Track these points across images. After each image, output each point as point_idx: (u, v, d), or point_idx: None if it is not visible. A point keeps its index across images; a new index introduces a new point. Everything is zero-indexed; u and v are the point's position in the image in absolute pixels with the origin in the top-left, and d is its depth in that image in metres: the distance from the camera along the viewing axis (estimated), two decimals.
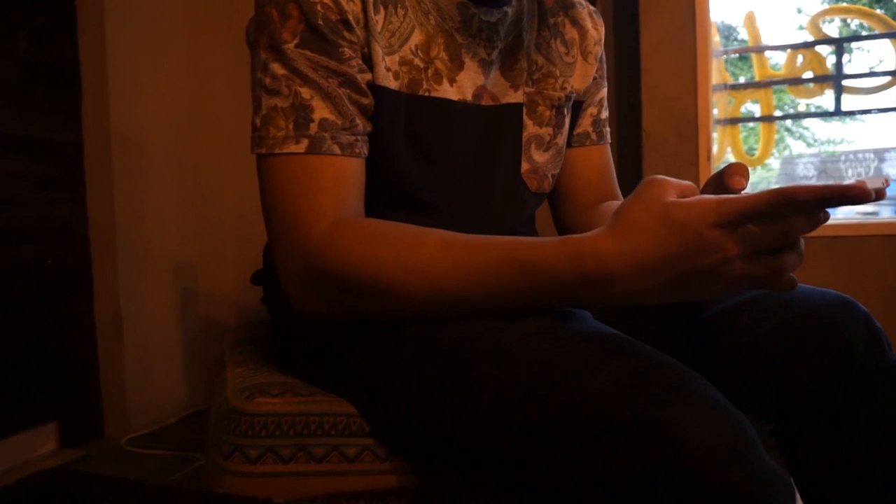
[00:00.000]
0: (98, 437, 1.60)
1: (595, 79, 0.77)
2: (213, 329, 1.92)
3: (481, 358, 0.46)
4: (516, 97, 0.68)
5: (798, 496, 0.60)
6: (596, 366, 0.41)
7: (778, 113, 3.32)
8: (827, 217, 0.43)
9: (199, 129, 1.85)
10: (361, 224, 0.53)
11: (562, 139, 0.73)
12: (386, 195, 0.61)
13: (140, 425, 1.64)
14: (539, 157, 0.71)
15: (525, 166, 0.69)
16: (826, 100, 2.62)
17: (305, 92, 0.53)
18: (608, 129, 0.80)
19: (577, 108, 0.76)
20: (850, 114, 2.62)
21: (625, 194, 0.51)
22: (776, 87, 2.77)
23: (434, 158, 0.63)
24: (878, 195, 0.41)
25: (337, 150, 0.54)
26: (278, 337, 0.70)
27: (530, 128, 0.69)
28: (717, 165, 2.53)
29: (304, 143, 0.53)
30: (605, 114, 0.79)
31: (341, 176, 0.54)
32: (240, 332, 0.82)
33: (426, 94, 0.61)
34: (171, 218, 1.77)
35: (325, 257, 0.51)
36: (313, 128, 0.53)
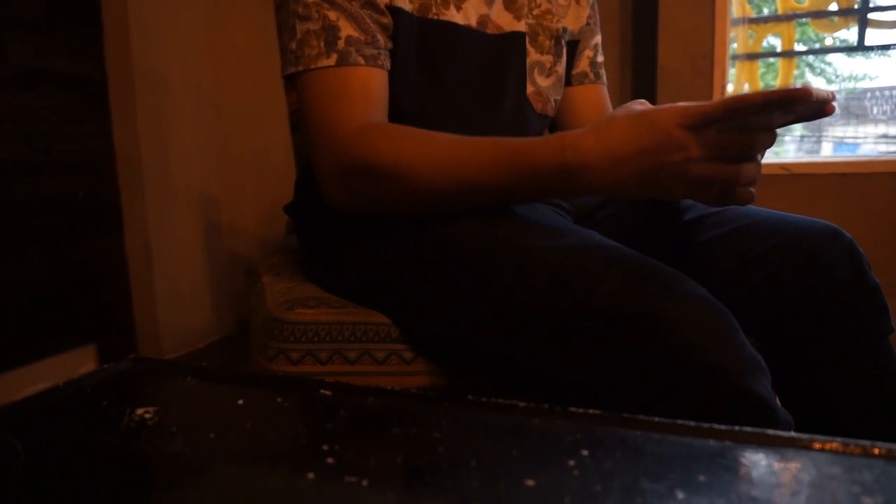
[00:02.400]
0: None
1: (588, 24, 0.83)
2: (237, 260, 2.01)
3: (505, 268, 0.53)
4: (519, 27, 0.74)
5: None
6: (604, 270, 0.49)
7: (801, 48, 3.24)
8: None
9: (219, 64, 1.87)
10: (386, 125, 0.61)
11: (561, 67, 0.79)
12: (398, 113, 0.67)
13: (171, 349, 1.75)
14: (542, 81, 0.77)
15: (530, 88, 0.76)
16: (851, 34, 2.56)
17: (332, 14, 0.61)
18: (604, 72, 0.87)
19: (573, 48, 0.82)
20: (875, 49, 2.55)
21: None
22: (799, 20, 2.69)
23: (444, 78, 0.69)
24: (826, 110, 0.47)
25: (361, 61, 0.61)
26: (311, 260, 0.77)
27: (533, 54, 0.76)
28: None
29: (334, 56, 0.61)
30: (600, 58, 0.86)
31: (367, 84, 0.62)
32: (274, 257, 0.89)
33: (435, 17, 0.67)
34: (194, 152, 1.82)
35: (354, 151, 0.59)
36: (341, 44, 0.61)
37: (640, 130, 0.48)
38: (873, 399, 0.64)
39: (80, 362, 1.61)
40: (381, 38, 0.64)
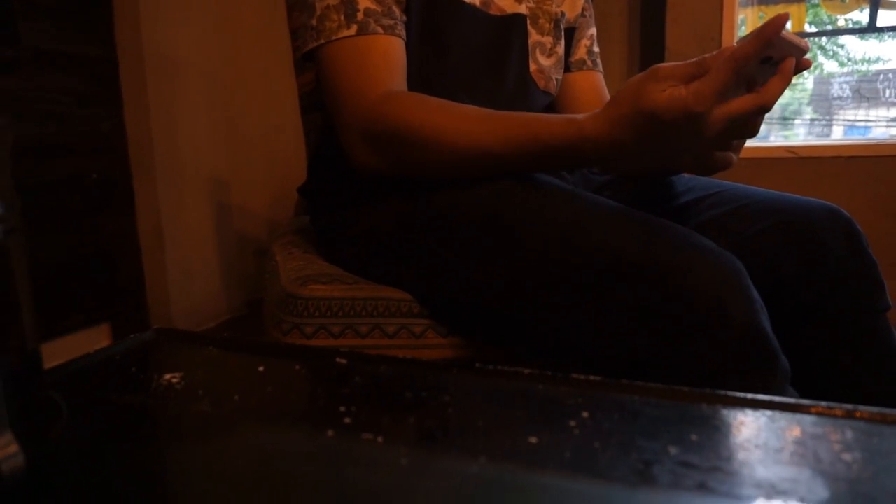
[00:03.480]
0: None
1: (584, 15, 0.86)
2: (246, 241, 2.04)
3: (520, 229, 0.57)
4: (520, 9, 0.77)
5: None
6: (615, 227, 0.52)
7: (813, 30, 3.20)
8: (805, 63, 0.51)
9: (228, 47, 1.88)
10: (411, 93, 0.65)
11: (560, 49, 0.82)
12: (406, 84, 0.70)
13: (183, 328, 1.79)
14: (544, 60, 0.80)
15: (533, 66, 0.79)
16: (863, 16, 2.53)
17: None
18: (601, 62, 0.91)
19: (570, 36, 0.86)
20: (887, 30, 2.52)
21: None
22: (810, 1, 2.66)
23: (450, 52, 0.72)
24: (803, 63, 0.49)
25: (380, 30, 0.65)
26: (325, 238, 0.79)
27: (534, 35, 0.79)
28: None
29: (354, 27, 0.64)
30: (597, 48, 0.90)
31: (387, 53, 0.65)
32: (286, 237, 0.91)
33: None
34: (204, 134, 1.84)
35: (379, 115, 0.62)
36: (359, 15, 0.64)
37: (642, 96, 0.51)
38: (868, 375, 0.66)
39: (95, 341, 1.65)
40: (396, 9, 0.67)
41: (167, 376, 0.40)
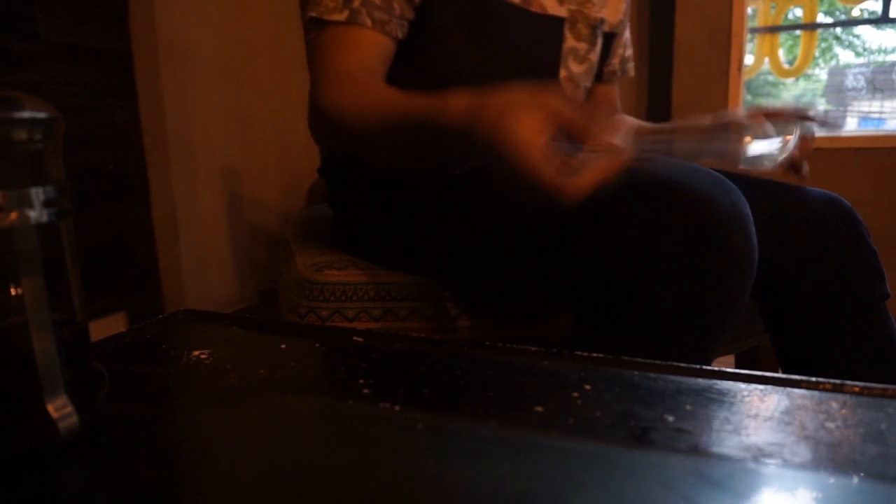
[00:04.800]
0: None
1: (622, 19, 0.85)
2: (258, 231, 2.07)
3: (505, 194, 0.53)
4: (560, 11, 0.76)
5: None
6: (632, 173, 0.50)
7: (826, 20, 3.18)
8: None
9: (241, 39, 1.90)
10: (353, 76, 0.63)
11: (594, 56, 0.81)
12: (437, 77, 0.70)
13: None
14: (575, 67, 0.80)
15: (563, 73, 0.78)
16: (877, 5, 2.51)
17: None
18: (632, 65, 0.91)
19: (609, 41, 0.84)
20: None
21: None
22: None
23: (484, 46, 0.71)
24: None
25: (369, 23, 0.65)
26: (341, 225, 0.81)
27: (570, 41, 0.78)
28: (751, 77, 2.50)
29: (346, 13, 0.65)
30: (629, 51, 0.90)
31: (368, 46, 0.66)
32: (301, 226, 0.94)
33: None
34: (217, 126, 1.87)
35: (320, 96, 0.63)
36: (356, 3, 0.65)
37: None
38: (865, 362, 0.68)
39: (113, 329, 1.68)
40: (397, 6, 0.67)
41: (196, 352, 0.43)
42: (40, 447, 0.29)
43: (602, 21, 0.80)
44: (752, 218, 0.51)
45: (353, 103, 0.60)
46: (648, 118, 2.07)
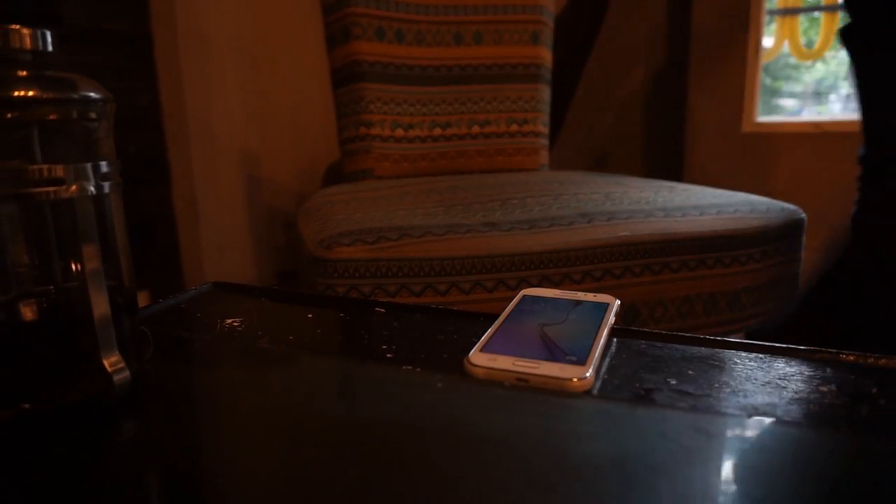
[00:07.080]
0: None
1: None
2: (275, 213, 2.10)
3: None
4: None
5: None
6: None
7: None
8: None
9: (259, 22, 1.92)
10: None
11: None
12: None
13: None
14: None
15: None
16: None
17: None
18: None
19: None
20: None
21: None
22: None
23: None
24: None
25: None
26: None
27: None
28: (769, 60, 2.47)
29: None
30: None
31: None
32: (309, 203, 0.97)
33: None
34: (236, 108, 1.90)
35: None
36: None
37: None
38: None
39: None
40: None
41: (228, 320, 0.46)
42: (97, 398, 0.32)
43: None
44: None
45: None
46: (665, 103, 2.06)
